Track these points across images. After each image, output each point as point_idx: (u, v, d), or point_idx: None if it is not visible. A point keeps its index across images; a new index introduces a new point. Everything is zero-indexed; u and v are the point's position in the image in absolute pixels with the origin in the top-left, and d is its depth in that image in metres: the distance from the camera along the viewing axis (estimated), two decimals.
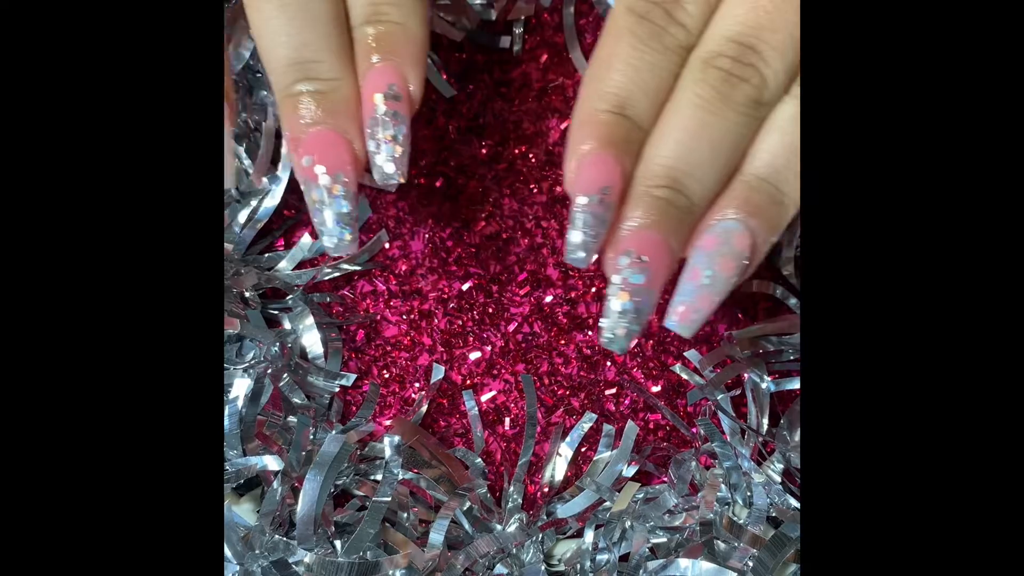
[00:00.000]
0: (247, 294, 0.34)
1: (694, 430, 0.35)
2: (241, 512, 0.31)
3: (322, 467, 0.30)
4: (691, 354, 0.36)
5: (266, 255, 0.36)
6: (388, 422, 0.36)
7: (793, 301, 0.36)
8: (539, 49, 0.38)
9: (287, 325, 0.35)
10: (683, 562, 0.29)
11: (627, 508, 0.32)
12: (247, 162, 0.35)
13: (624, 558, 0.31)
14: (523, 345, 0.36)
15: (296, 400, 0.34)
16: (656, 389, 0.36)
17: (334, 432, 0.32)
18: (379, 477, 0.33)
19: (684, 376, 0.36)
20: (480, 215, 0.37)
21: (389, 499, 0.30)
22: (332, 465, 0.30)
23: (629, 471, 0.34)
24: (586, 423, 0.36)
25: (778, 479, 0.32)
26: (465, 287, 0.37)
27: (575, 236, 0.24)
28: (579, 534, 0.33)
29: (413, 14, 0.27)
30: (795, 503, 0.31)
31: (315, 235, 0.35)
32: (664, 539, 0.32)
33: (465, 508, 0.32)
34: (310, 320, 0.35)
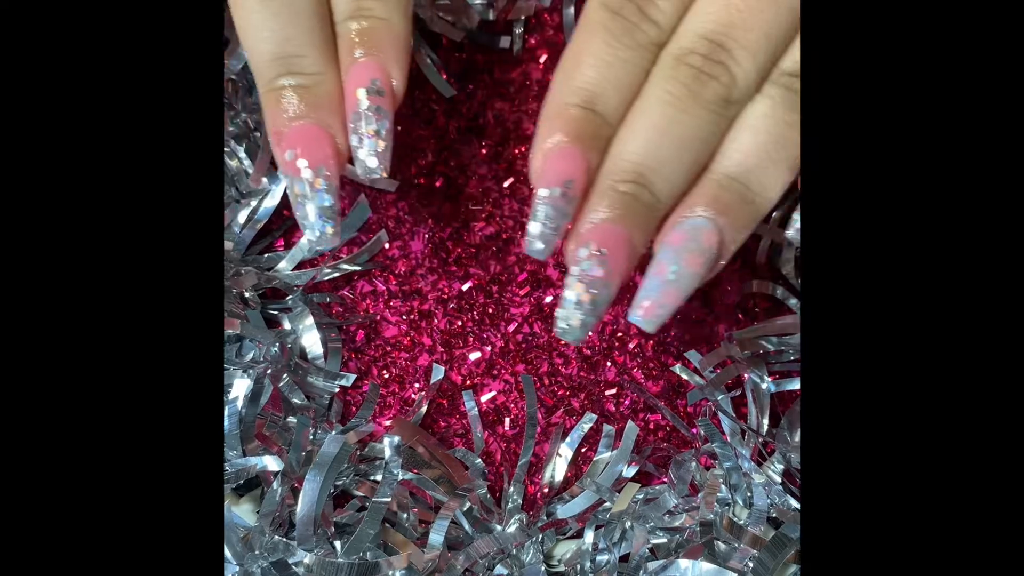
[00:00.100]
0: (247, 294, 0.34)
1: (694, 431, 0.35)
2: (241, 513, 0.31)
3: (322, 467, 0.30)
4: (691, 354, 0.36)
5: (266, 255, 0.36)
6: (388, 422, 0.36)
7: (793, 301, 0.36)
8: (539, 49, 0.38)
9: (287, 325, 0.35)
10: (683, 563, 0.29)
11: (627, 509, 0.32)
12: (247, 162, 0.35)
13: (624, 559, 0.31)
14: (523, 345, 0.36)
15: (296, 400, 0.34)
16: (656, 389, 0.36)
17: (334, 432, 0.32)
18: (379, 477, 0.33)
19: (684, 376, 0.36)
20: (480, 215, 0.37)
21: (389, 499, 0.30)
22: (332, 465, 0.30)
23: (629, 472, 0.34)
24: (586, 423, 0.36)
25: (778, 480, 0.32)
26: (465, 287, 0.37)
27: (534, 228, 0.25)
28: (579, 535, 0.33)
29: (396, 10, 0.27)
30: (795, 504, 0.31)
31: None
32: (664, 540, 0.32)
33: (465, 509, 0.32)
34: (310, 320, 0.35)
